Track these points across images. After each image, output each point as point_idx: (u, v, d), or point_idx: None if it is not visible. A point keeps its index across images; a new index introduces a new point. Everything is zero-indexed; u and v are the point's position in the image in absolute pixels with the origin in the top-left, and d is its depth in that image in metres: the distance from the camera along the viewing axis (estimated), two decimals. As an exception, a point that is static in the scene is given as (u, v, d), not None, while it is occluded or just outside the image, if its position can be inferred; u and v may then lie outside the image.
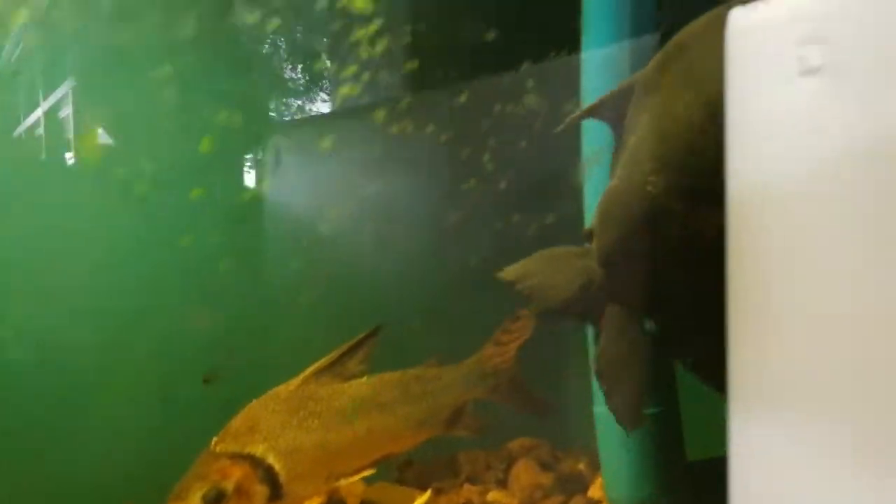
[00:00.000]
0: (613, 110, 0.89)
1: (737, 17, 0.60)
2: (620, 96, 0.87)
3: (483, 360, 1.00)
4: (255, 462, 0.82)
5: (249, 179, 1.43)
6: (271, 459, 0.83)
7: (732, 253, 0.56)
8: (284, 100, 1.53)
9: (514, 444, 1.37)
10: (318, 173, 1.43)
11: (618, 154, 0.89)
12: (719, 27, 0.69)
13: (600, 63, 1.00)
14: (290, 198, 1.40)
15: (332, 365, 0.93)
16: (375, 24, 1.28)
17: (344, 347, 0.95)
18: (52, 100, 1.23)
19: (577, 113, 0.96)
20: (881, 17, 0.48)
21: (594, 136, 1.02)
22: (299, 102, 1.53)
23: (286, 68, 1.51)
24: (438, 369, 0.99)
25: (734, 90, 0.57)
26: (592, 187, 1.02)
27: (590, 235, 0.93)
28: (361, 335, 0.95)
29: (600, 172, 0.98)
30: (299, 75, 1.51)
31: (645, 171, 0.80)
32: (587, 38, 1.01)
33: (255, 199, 1.39)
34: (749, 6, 0.60)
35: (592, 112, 0.93)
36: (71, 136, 1.27)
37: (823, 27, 0.50)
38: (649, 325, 0.92)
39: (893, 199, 0.45)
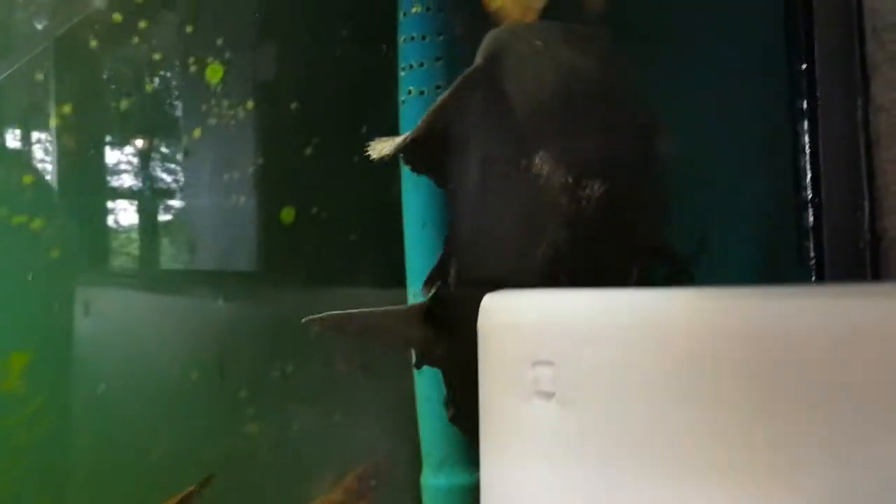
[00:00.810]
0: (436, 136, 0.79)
1: (486, 306, 0.64)
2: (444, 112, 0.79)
3: None
4: None
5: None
6: None
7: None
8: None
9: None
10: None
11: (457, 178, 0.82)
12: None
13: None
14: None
15: None
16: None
17: (174, 500, 0.92)
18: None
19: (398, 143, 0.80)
20: (604, 343, 0.53)
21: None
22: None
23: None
24: None
25: (485, 393, 0.62)
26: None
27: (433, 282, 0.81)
28: (192, 486, 0.93)
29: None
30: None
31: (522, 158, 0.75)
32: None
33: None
34: (500, 295, 0.64)
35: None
36: None
37: (551, 349, 0.55)
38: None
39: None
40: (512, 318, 0.60)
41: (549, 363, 0.55)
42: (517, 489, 0.57)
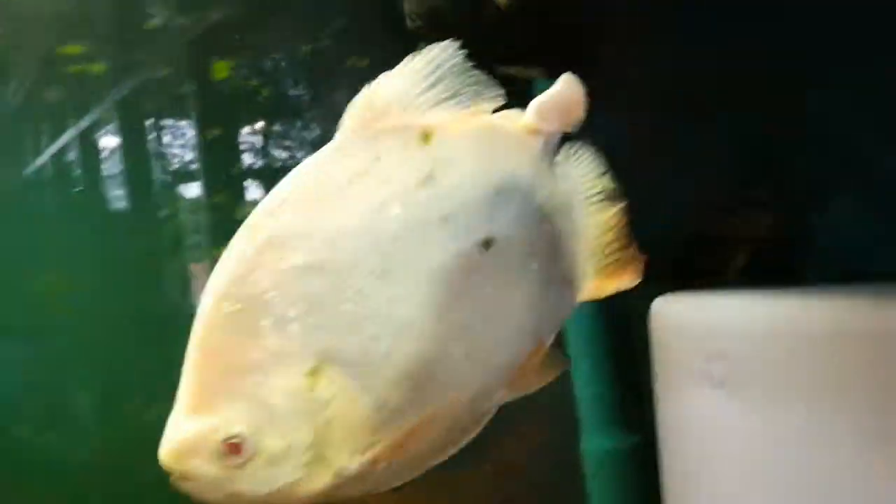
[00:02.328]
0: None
1: (658, 307, 0.75)
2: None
3: None
4: None
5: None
6: None
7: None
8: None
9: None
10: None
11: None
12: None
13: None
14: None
15: None
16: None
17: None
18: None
19: None
20: (773, 339, 0.62)
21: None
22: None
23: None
24: None
25: (660, 383, 0.72)
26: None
27: None
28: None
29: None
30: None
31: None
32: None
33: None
34: (669, 298, 0.75)
35: None
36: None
37: (724, 345, 0.65)
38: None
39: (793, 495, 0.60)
40: (683, 320, 0.70)
41: (719, 358, 0.65)
42: (694, 463, 0.68)
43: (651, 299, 0.79)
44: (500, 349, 0.45)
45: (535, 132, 0.48)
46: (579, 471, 1.05)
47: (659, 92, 1.02)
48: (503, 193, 0.45)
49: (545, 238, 0.47)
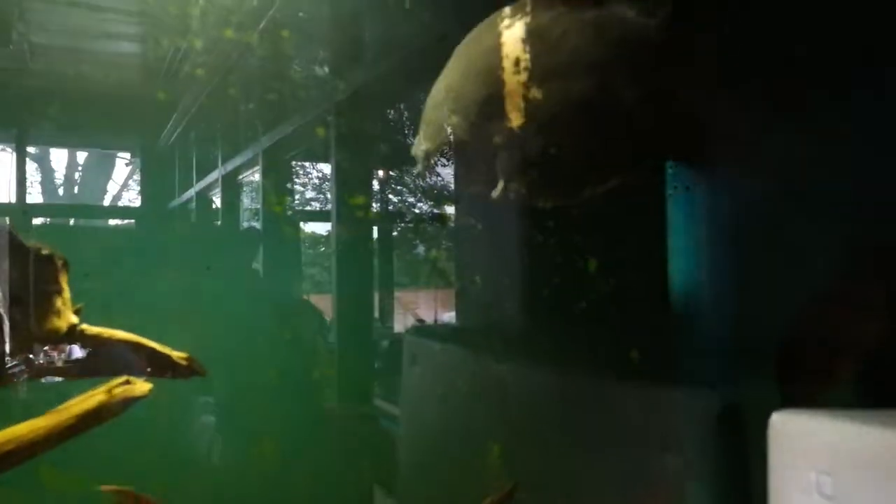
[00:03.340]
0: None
1: (776, 421, 0.89)
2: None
3: None
4: None
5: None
6: None
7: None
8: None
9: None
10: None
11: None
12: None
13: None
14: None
15: None
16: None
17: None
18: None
19: None
20: (875, 462, 0.76)
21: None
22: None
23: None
24: None
25: (773, 490, 0.87)
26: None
27: None
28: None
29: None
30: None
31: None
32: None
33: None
34: (785, 414, 0.89)
35: None
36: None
37: (833, 463, 0.79)
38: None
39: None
40: (798, 435, 0.85)
41: (828, 474, 0.79)
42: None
43: (767, 401, 0.91)
44: None
45: None
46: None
47: (767, 188, 1.12)
48: None
49: None
